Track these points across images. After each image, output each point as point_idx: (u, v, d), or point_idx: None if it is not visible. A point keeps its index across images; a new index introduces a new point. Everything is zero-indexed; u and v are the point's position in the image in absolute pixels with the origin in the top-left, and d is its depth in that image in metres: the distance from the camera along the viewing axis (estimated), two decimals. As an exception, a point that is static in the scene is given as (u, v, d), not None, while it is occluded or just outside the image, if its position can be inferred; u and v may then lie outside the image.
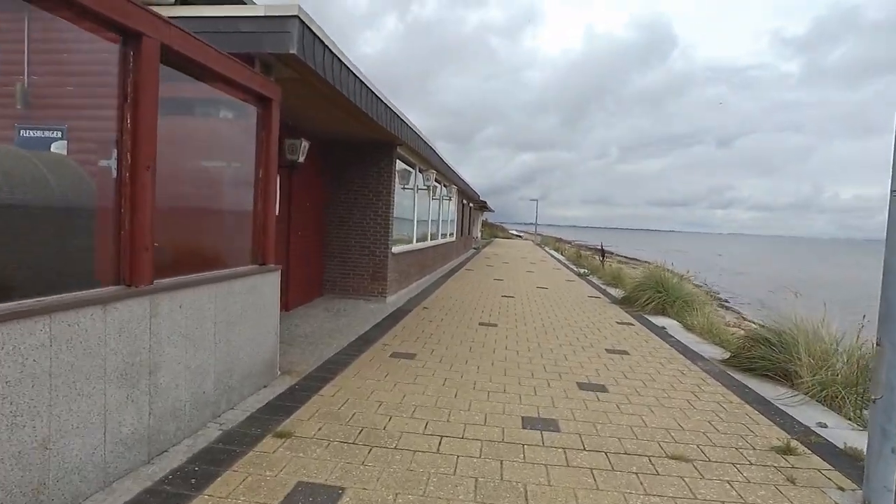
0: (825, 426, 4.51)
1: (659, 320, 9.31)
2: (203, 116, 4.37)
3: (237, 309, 4.10)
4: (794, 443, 4.00)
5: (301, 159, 7.37)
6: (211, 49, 3.68)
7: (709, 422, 4.41)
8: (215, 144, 4.39)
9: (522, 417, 4.26)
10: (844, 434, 4.31)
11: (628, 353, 6.66)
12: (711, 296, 15.40)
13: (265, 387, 4.61)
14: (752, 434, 4.20)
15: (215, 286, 3.81)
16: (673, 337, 7.88)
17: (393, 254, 9.58)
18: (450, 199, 17.04)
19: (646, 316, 9.69)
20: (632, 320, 9.19)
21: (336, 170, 9.38)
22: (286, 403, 4.26)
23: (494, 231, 65.06)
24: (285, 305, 7.97)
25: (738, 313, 19.07)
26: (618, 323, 8.83)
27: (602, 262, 17.67)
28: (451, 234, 19.71)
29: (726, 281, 30.42)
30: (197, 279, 3.61)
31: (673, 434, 4.09)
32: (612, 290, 13.39)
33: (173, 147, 3.86)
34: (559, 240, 59.02)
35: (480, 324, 8.03)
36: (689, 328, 8.66)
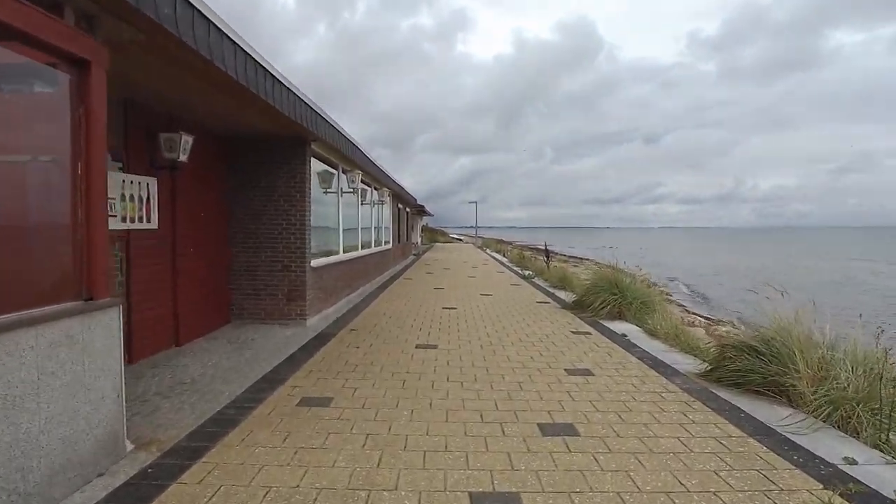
0: (854, 462, 3.52)
1: (617, 326, 8.35)
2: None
3: (30, 375, 2.68)
4: (836, 499, 2.97)
5: (182, 158, 5.91)
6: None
7: (715, 472, 3.33)
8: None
9: (471, 494, 3.04)
10: (883, 473, 3.34)
11: (593, 374, 5.57)
12: (664, 294, 14.77)
13: (101, 475, 3.19)
14: (776, 487, 3.14)
15: (-23, 344, 2.40)
16: (638, 346, 6.88)
17: (312, 268, 8.19)
18: (382, 204, 15.72)
19: (602, 322, 8.71)
20: (588, 328, 8.17)
21: (239, 172, 7.91)
22: (122, 507, 2.87)
23: (435, 236, 64.03)
24: (176, 341, 6.46)
25: (682, 306, 18.71)
26: (573, 333, 7.78)
27: (547, 263, 16.78)
28: (388, 242, 18.39)
29: (655, 274, 30.83)
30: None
31: (677, 502, 2.98)
32: (560, 294, 12.44)
33: None
34: (500, 241, 58.59)
35: (417, 346, 6.77)
36: (652, 334, 7.72)
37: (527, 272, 17.48)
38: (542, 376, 5.46)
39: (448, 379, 5.33)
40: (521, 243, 63.63)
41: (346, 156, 9.49)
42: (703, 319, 15.88)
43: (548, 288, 13.88)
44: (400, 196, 21.04)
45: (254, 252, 7.91)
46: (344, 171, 10.35)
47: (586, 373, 5.61)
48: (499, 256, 30.56)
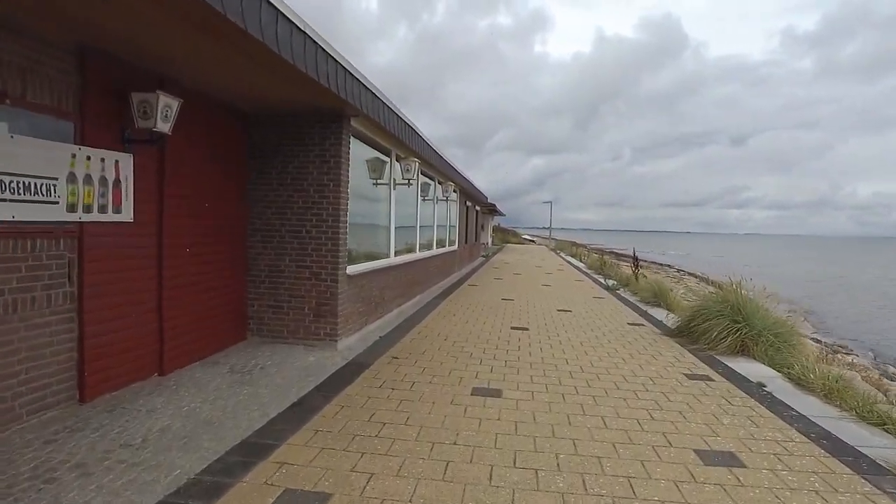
0: None
1: (745, 367, 6.21)
2: None
3: None
4: None
5: (162, 127, 4.37)
6: None
7: None
8: None
9: None
10: None
11: (742, 464, 3.56)
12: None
13: None
14: None
15: None
16: (791, 408, 4.77)
17: (349, 276, 6.56)
18: (446, 200, 14.00)
19: (721, 359, 6.58)
20: (706, 369, 6.08)
21: (262, 154, 6.39)
22: None
23: (506, 236, 61.92)
24: (160, 367, 4.98)
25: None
26: (688, 377, 5.73)
27: (635, 272, 14.48)
28: (453, 242, 16.69)
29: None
30: None
31: None
32: (655, 313, 10.25)
33: None
34: (575, 244, 55.70)
35: (475, 391, 4.95)
36: (801, 384, 5.54)
37: (610, 282, 15.26)
38: (663, 465, 3.51)
39: (515, 462, 3.48)
40: (595, 246, 60.36)
41: (399, 139, 7.81)
42: (814, 344, 13.16)
43: (638, 304, 11.67)
44: (468, 193, 19.29)
45: (276, 253, 6.37)
46: (398, 160, 8.70)
47: (731, 461, 3.61)
48: (575, 261, 28.19)
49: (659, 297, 11.36)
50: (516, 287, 14.14)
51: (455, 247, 16.94)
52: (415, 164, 8.53)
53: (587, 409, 4.56)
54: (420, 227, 11.15)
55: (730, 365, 6.32)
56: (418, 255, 10.89)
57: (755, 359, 6.69)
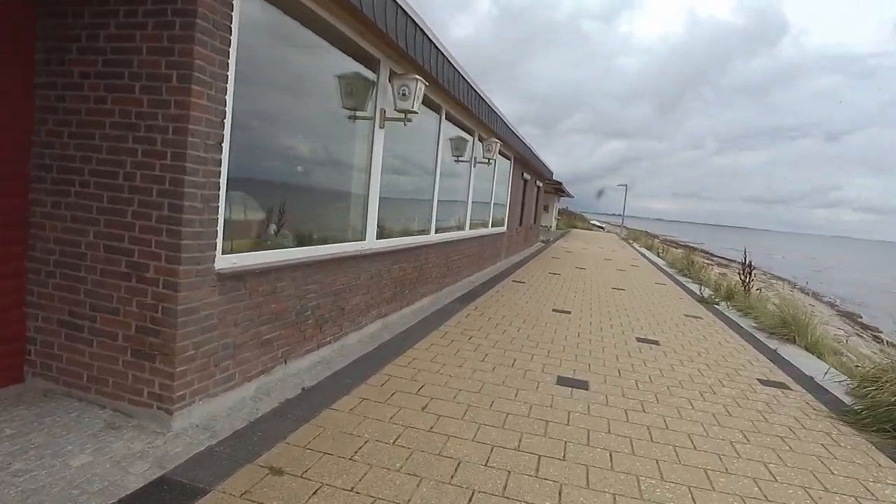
0: None
1: None
2: None
3: None
4: None
5: None
6: None
7: None
8: None
9: None
10: None
11: None
12: None
13: None
14: None
15: None
16: None
17: (230, 274, 3.24)
18: (488, 163, 10.38)
19: None
20: None
21: (51, 16, 3.11)
22: None
23: (573, 221, 57.21)
24: None
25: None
26: None
27: (747, 286, 10.42)
28: (500, 223, 13.18)
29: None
30: None
31: None
32: (793, 357, 6.44)
33: None
34: (648, 234, 50.54)
35: None
36: None
37: (705, 291, 11.30)
38: None
39: None
40: (667, 238, 54.87)
41: (384, 33, 4.39)
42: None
43: (755, 332, 7.81)
44: (527, 162, 15.58)
45: (76, 221, 3.13)
46: (392, 78, 5.26)
47: None
48: (651, 255, 23.86)
49: (793, 330, 7.45)
50: (578, 289, 10.47)
51: (503, 228, 13.39)
52: (415, 85, 5.04)
53: None
54: (437, 199, 7.64)
55: None
56: (433, 237, 7.48)
57: None
